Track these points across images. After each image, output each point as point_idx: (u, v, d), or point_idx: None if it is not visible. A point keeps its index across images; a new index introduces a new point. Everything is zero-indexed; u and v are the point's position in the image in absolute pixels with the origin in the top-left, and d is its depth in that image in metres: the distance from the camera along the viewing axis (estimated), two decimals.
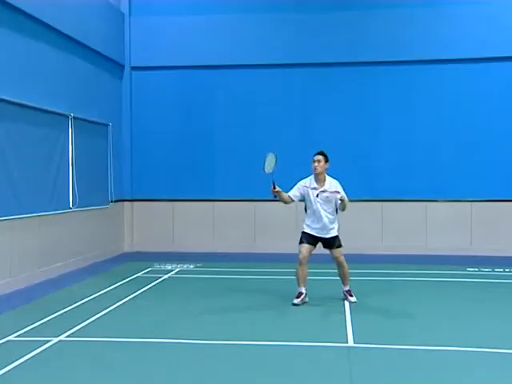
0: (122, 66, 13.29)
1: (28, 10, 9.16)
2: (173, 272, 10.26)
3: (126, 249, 13.35)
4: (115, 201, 12.68)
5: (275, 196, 7.55)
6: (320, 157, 7.64)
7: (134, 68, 13.45)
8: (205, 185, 13.27)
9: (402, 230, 12.70)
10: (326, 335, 6.20)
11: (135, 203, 13.47)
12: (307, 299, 7.70)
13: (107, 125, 12.37)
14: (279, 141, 13.04)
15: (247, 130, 13.16)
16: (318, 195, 7.58)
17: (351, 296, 7.83)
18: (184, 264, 11.05)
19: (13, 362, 5.24)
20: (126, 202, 13.36)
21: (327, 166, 7.70)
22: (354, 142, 12.94)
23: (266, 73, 13.21)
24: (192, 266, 10.88)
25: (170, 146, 13.43)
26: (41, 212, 9.55)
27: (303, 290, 7.65)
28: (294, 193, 7.72)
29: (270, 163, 7.50)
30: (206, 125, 13.39)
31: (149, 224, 13.42)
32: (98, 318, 6.93)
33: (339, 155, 12.88)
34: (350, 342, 5.93)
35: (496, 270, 10.38)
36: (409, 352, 5.65)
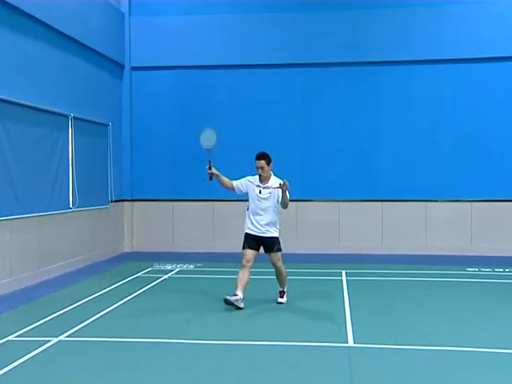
0: (122, 66, 13.29)
1: (28, 10, 9.16)
2: (173, 272, 10.25)
3: (126, 249, 13.35)
4: (115, 201, 12.68)
5: (210, 178, 7.40)
6: (262, 162, 7.33)
7: (133, 68, 13.45)
8: (205, 185, 13.19)
9: (402, 229, 12.70)
10: (326, 335, 6.20)
11: (135, 203, 13.47)
12: (242, 305, 7.25)
13: (107, 125, 12.36)
14: (279, 141, 13.06)
15: (247, 129, 13.15)
16: (260, 191, 7.41)
17: (281, 298, 7.69)
18: (184, 264, 11.05)
19: (13, 362, 5.24)
20: (125, 202, 13.36)
21: (271, 166, 7.41)
22: (354, 142, 12.94)
23: (266, 73, 13.20)
24: (192, 266, 10.87)
25: (170, 146, 13.43)
26: (41, 212, 9.55)
27: (240, 294, 7.25)
28: (239, 182, 7.57)
29: (208, 138, 7.20)
30: (205, 125, 13.26)
31: (149, 224, 13.42)
32: (98, 318, 6.93)
33: (339, 155, 12.99)
34: (350, 342, 5.93)
35: (496, 270, 10.38)
36: (409, 352, 5.65)
